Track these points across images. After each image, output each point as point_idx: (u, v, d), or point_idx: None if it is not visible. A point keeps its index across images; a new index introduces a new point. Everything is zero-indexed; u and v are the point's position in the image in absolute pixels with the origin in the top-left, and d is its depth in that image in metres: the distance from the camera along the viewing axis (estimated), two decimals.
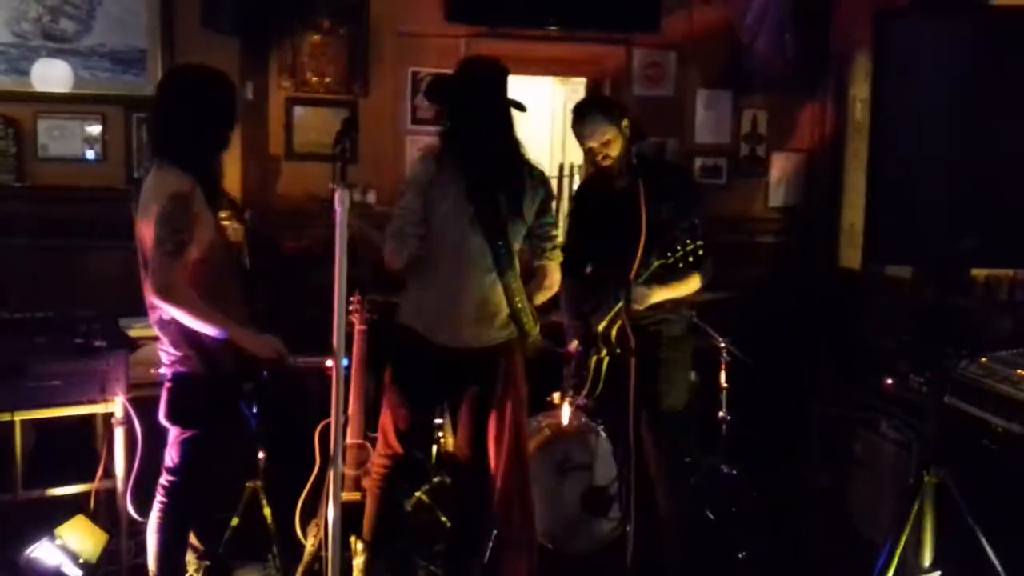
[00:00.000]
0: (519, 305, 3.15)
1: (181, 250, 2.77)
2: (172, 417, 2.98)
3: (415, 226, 3.08)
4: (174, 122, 2.90)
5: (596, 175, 3.50)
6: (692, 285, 3.31)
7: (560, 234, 3.33)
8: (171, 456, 3.02)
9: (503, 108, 3.12)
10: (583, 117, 3.34)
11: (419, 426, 3.35)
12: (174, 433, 3.00)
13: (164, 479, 3.04)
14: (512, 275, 3.13)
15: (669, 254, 3.04)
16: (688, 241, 3.01)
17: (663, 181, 3.34)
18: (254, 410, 2.97)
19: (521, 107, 3.14)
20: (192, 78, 3.00)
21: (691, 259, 3.02)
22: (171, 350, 2.93)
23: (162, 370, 3.02)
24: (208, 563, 3.20)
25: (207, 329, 2.83)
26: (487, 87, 3.13)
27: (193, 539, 3.16)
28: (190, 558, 3.17)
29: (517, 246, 3.16)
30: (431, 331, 3.16)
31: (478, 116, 3.11)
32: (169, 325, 2.90)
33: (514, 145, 3.15)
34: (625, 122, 3.30)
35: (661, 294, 3.22)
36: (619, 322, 3.17)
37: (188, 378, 2.93)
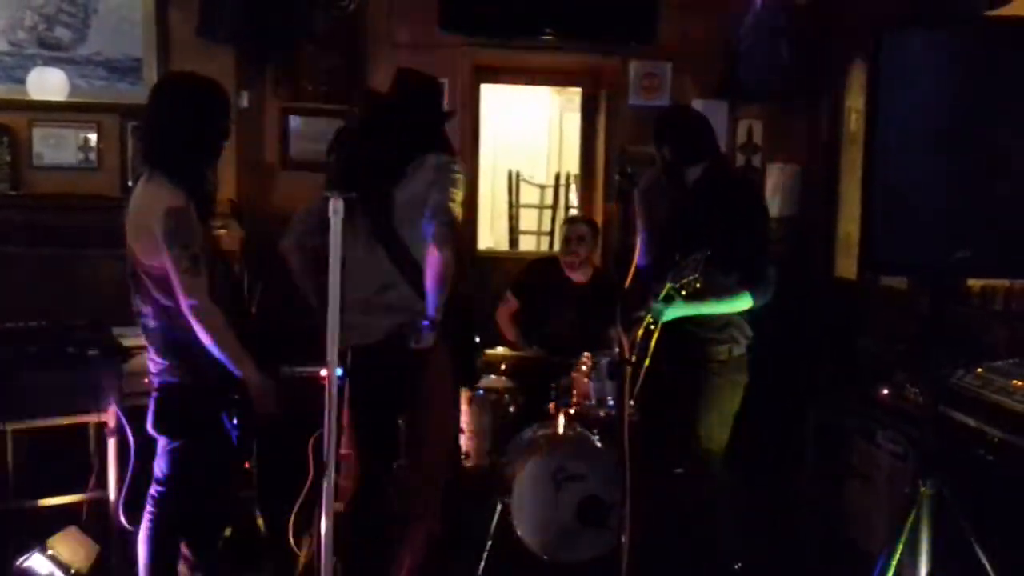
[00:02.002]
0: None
1: (198, 264, 2.78)
2: (159, 427, 2.95)
3: (305, 213, 3.27)
4: (167, 131, 2.89)
5: (620, 184, 3.48)
6: (735, 304, 3.17)
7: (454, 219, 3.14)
8: (160, 467, 3.00)
9: (406, 117, 3.19)
10: None
11: (362, 445, 3.27)
12: (162, 443, 2.98)
13: (154, 489, 3.02)
14: (411, 264, 3.10)
15: (674, 283, 2.99)
16: (691, 274, 2.93)
17: (718, 198, 3.26)
18: (235, 421, 2.93)
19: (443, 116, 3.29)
20: (185, 86, 2.99)
21: (691, 289, 2.95)
22: (157, 359, 2.92)
23: (151, 379, 3.01)
24: (200, 574, 3.18)
25: (221, 355, 2.82)
26: (396, 96, 3.28)
27: (185, 549, 3.14)
28: (182, 569, 3.15)
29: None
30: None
31: (375, 117, 3.24)
32: (154, 333, 2.89)
33: (402, 144, 3.14)
34: (667, 148, 3.30)
35: (685, 310, 3.10)
36: (654, 331, 3.11)
37: (174, 388, 2.91)
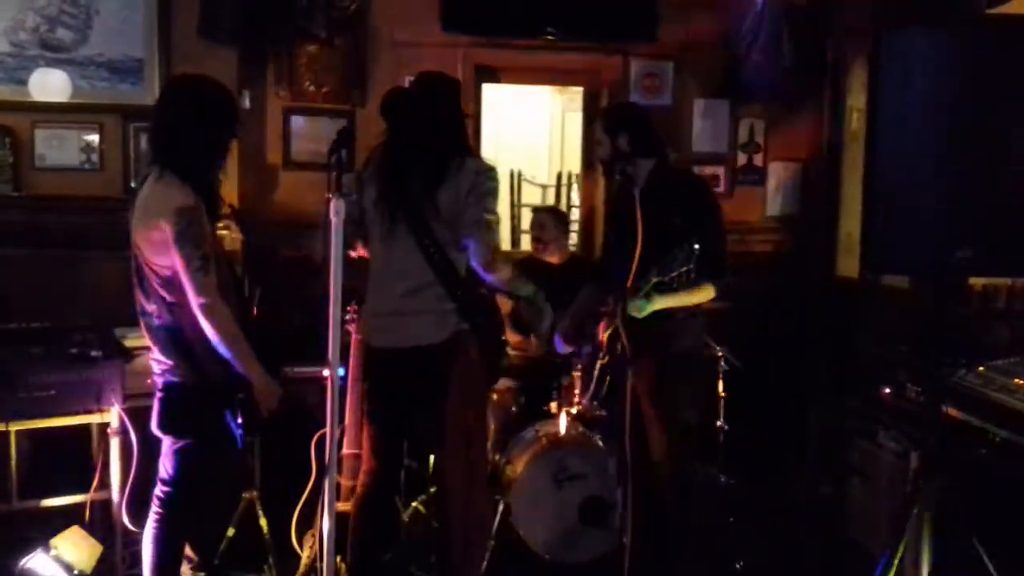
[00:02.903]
0: (464, 296, 3.10)
1: (208, 264, 2.79)
2: (164, 427, 2.96)
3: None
4: (177, 132, 2.89)
5: (622, 184, 3.53)
6: (702, 294, 3.25)
7: (497, 221, 3.18)
8: (165, 467, 3.00)
9: (434, 114, 3.17)
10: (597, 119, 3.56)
11: (387, 440, 3.29)
12: (167, 443, 2.99)
13: (159, 490, 3.02)
14: (446, 264, 3.08)
15: (664, 276, 3.02)
16: (683, 266, 2.96)
17: (676, 192, 3.32)
18: (239, 421, 2.93)
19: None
20: (195, 87, 3.00)
21: (684, 281, 3.00)
22: (161, 358, 2.93)
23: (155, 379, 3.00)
24: (203, 574, 3.19)
25: (228, 354, 2.83)
26: (419, 96, 3.27)
27: (188, 550, 3.15)
28: (185, 569, 3.16)
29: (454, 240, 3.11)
30: (368, 334, 3.24)
31: (405, 121, 3.19)
32: (159, 332, 2.90)
33: (440, 142, 3.13)
34: (625, 137, 3.35)
35: (662, 303, 3.15)
36: (621, 331, 3.16)
37: (178, 387, 2.91)
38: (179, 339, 2.86)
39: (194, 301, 2.79)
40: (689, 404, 3.40)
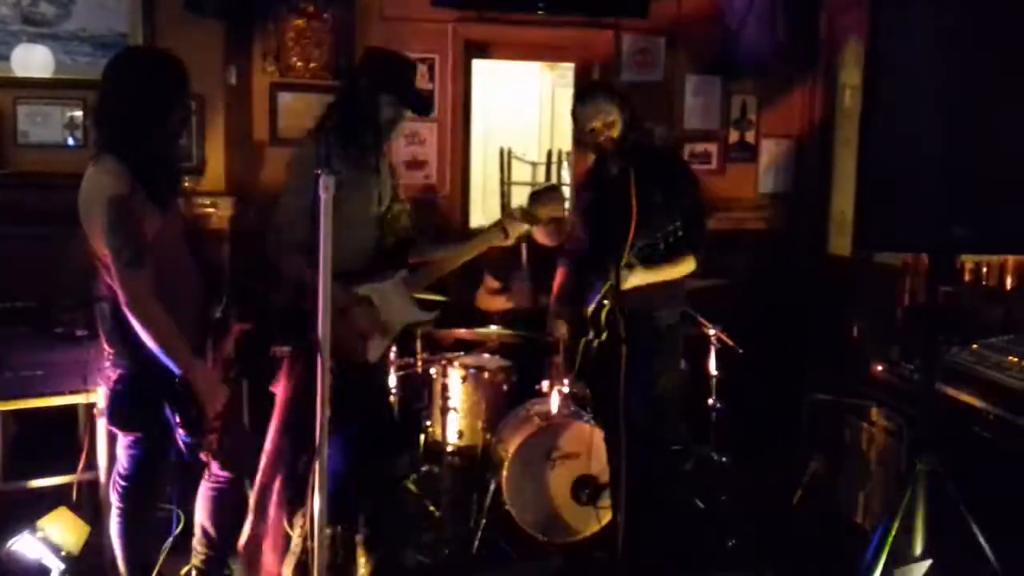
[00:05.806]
0: None
1: (140, 256, 2.63)
2: (111, 420, 2.86)
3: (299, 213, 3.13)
4: (115, 111, 2.73)
5: (594, 164, 3.50)
6: (684, 267, 3.25)
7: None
8: (120, 461, 2.92)
9: (369, 99, 3.05)
10: (587, 98, 3.38)
11: None
12: (119, 437, 2.91)
13: (117, 484, 2.95)
14: None
15: (652, 239, 3.02)
16: (669, 225, 2.98)
17: (655, 167, 3.30)
18: (176, 419, 2.78)
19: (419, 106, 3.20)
20: (130, 62, 2.84)
21: (671, 240, 3.00)
22: (107, 347, 2.81)
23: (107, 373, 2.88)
24: (212, 554, 3.12)
25: (161, 353, 2.67)
26: (363, 81, 3.12)
27: (210, 527, 3.07)
28: (197, 546, 3.11)
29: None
30: None
31: (340, 109, 3.10)
32: (106, 319, 2.78)
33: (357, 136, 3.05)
34: (628, 111, 3.32)
35: (645, 276, 3.14)
36: (606, 306, 3.15)
37: (122, 379, 2.80)
38: (122, 326, 2.72)
39: (121, 298, 2.65)
40: (674, 380, 3.40)
